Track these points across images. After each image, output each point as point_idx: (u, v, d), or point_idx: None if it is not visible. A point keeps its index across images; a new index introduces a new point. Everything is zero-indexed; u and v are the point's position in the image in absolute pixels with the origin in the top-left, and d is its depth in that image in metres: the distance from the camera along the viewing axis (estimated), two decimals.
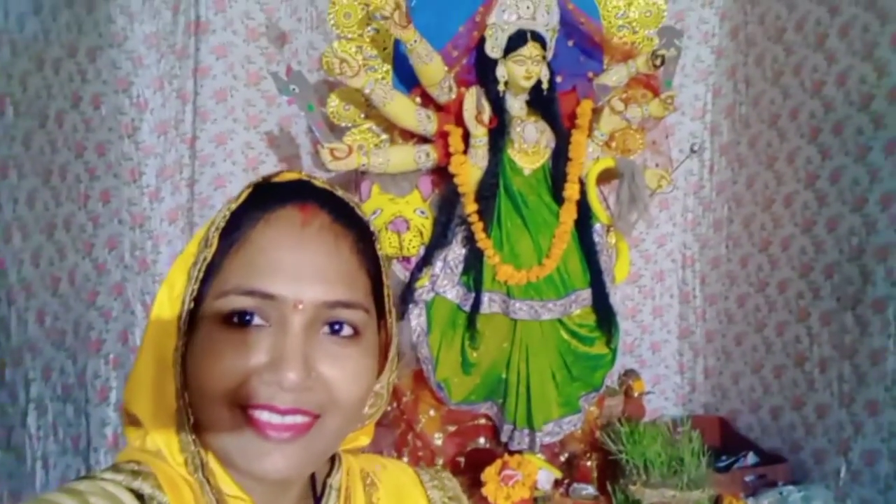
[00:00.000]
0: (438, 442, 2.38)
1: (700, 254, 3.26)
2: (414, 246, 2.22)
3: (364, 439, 0.72)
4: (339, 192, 0.61)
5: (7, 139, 2.13)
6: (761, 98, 2.97)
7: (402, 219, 2.18)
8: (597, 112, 2.39)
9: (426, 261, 2.26)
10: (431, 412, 2.38)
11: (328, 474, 0.67)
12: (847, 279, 2.47)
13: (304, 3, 2.94)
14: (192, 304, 0.56)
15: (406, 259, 2.28)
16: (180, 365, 0.55)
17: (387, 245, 2.20)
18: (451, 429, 2.40)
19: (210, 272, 0.56)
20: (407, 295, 2.26)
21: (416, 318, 2.28)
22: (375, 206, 2.23)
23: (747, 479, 2.58)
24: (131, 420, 0.59)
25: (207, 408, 0.54)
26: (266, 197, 0.57)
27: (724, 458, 2.77)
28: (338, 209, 0.59)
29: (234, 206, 0.57)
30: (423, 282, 2.27)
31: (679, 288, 3.29)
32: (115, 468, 0.57)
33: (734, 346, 3.10)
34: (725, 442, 2.95)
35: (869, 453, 2.31)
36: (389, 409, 2.47)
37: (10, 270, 2.14)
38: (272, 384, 0.52)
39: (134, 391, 0.58)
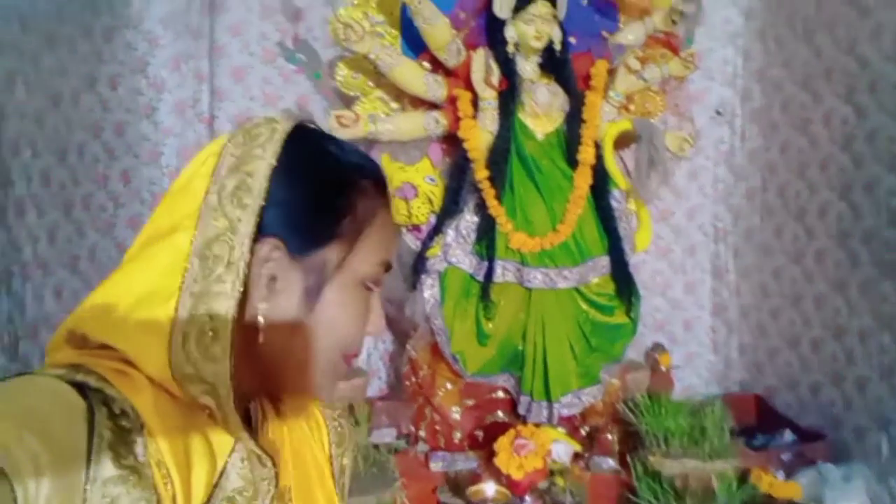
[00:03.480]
0: (456, 416, 2.32)
1: (733, 225, 3.12)
2: (423, 213, 2.18)
3: None
4: None
5: (17, 116, 2.14)
6: (793, 59, 2.83)
7: (409, 185, 2.13)
8: (612, 73, 2.30)
9: (437, 229, 2.21)
10: (449, 385, 2.33)
11: None
12: (886, 245, 2.33)
13: None
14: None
15: (416, 228, 2.23)
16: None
17: (394, 213, 2.15)
18: (470, 402, 2.35)
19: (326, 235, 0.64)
20: (419, 265, 2.21)
21: (429, 288, 2.23)
22: None
23: (784, 457, 2.46)
24: (79, 344, 0.58)
25: (322, 356, 0.63)
26: (376, 173, 0.69)
27: (759, 436, 2.66)
28: None
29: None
30: (435, 251, 2.22)
31: (711, 262, 3.16)
32: (52, 367, 0.55)
33: (770, 321, 2.96)
34: (762, 420, 2.83)
35: None
36: (408, 382, 2.43)
37: (24, 247, 2.16)
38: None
39: (109, 320, 0.57)
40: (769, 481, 2.09)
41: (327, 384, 0.64)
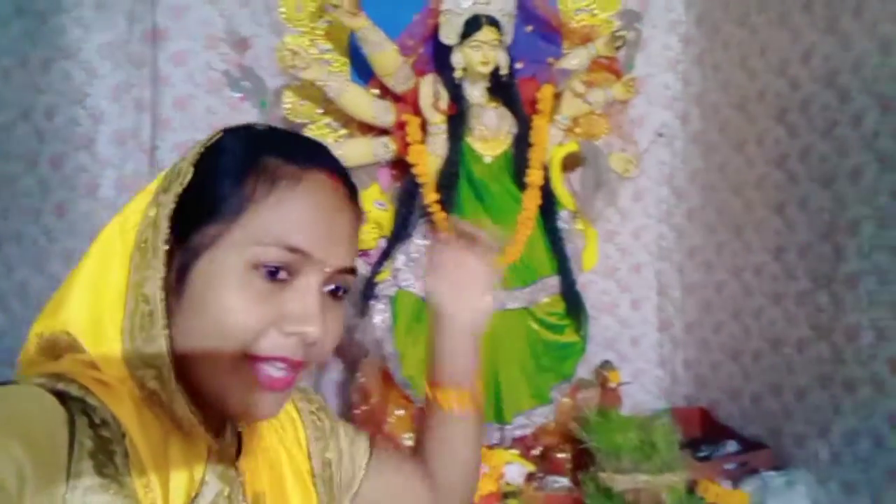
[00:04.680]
0: (408, 442, 2.31)
1: (677, 244, 3.21)
2: (371, 238, 2.18)
3: None
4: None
5: None
6: (730, 82, 2.94)
7: None
8: (558, 97, 2.36)
9: (387, 254, 2.21)
10: (400, 412, 2.32)
11: None
12: (820, 257, 2.42)
13: (263, 8, 2.89)
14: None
15: (364, 252, 2.23)
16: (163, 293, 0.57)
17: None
18: None
19: (223, 210, 0.58)
20: (367, 290, 2.20)
21: (380, 313, 2.23)
22: None
23: (728, 466, 2.52)
24: (51, 350, 0.59)
25: (213, 350, 0.56)
26: (299, 154, 0.61)
27: (704, 447, 2.71)
28: (348, 184, 0.65)
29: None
30: (385, 276, 2.22)
31: (657, 279, 3.24)
32: (31, 376, 0.54)
33: (713, 335, 3.05)
34: (707, 432, 2.88)
35: (849, 433, 2.25)
36: (358, 411, 2.41)
37: None
38: (292, 337, 0.57)
39: (73, 316, 0.58)
40: (716, 491, 2.14)
41: (240, 387, 0.57)
